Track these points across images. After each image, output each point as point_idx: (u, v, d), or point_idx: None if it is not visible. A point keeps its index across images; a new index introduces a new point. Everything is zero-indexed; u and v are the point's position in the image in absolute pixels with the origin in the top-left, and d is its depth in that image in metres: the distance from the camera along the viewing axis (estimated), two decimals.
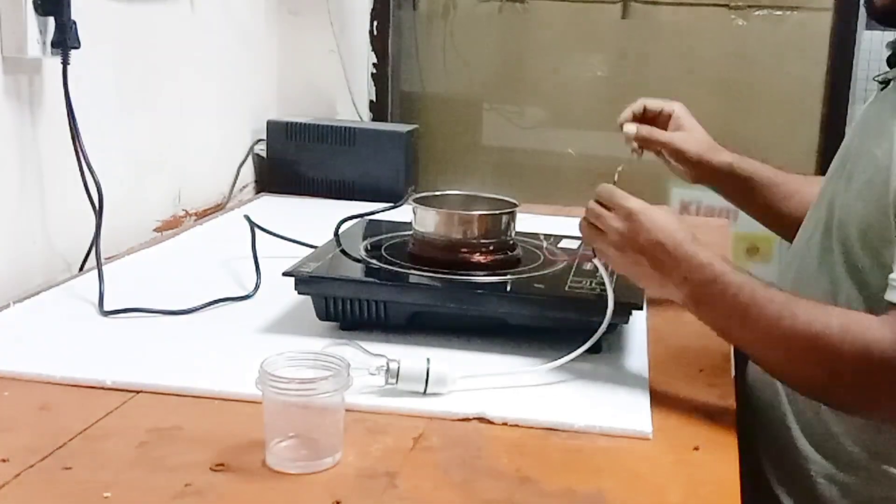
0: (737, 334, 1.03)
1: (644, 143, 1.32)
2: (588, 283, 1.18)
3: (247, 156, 2.11)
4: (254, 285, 1.36)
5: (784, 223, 1.33)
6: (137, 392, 1.03)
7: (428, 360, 1.03)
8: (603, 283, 1.13)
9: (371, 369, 1.02)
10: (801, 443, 1.10)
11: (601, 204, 1.08)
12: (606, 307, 1.11)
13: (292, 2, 2.25)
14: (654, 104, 1.33)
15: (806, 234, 1.17)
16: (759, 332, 1.00)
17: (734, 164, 1.35)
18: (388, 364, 1.02)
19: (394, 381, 1.02)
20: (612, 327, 1.17)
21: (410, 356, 1.04)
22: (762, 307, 0.98)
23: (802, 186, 1.35)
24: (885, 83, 1.11)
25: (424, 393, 1.02)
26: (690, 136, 1.33)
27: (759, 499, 0.95)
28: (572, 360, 1.10)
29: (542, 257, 1.30)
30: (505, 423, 0.99)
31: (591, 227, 1.09)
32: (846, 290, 1.05)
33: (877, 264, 1.01)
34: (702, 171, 1.35)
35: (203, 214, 1.90)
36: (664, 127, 1.34)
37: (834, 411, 1.06)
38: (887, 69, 1.11)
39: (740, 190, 1.36)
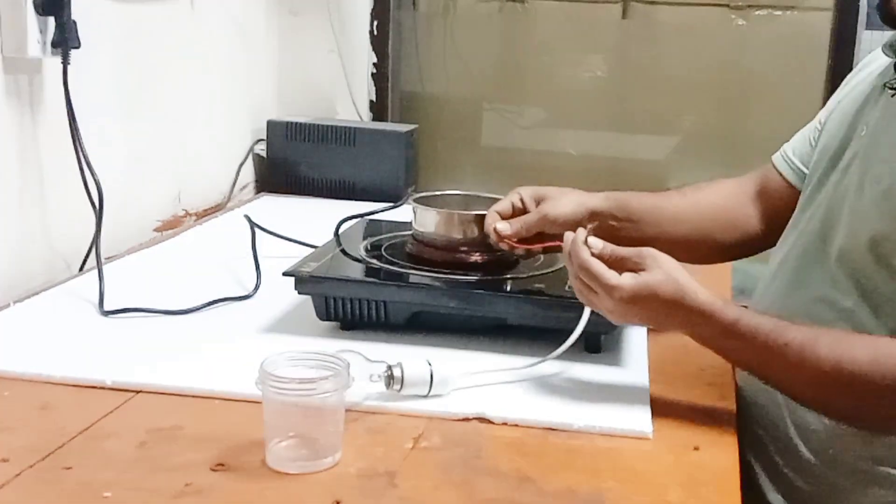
0: (759, 376, 1.03)
1: (525, 235, 1.21)
2: None
3: (247, 156, 2.11)
4: (254, 285, 1.36)
5: (675, 248, 1.21)
6: (137, 392, 1.03)
7: (429, 363, 1.03)
8: None
9: (373, 377, 1.01)
10: (800, 447, 1.10)
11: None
12: None
13: (292, 2, 2.25)
14: (504, 204, 1.23)
15: (792, 242, 1.16)
16: (780, 376, 1.00)
17: (610, 199, 1.25)
18: (391, 371, 1.01)
19: (398, 387, 1.01)
20: (612, 326, 1.17)
21: (410, 356, 1.04)
22: (780, 352, 0.97)
23: (679, 206, 1.29)
24: (894, 89, 1.07)
25: (427, 396, 1.02)
26: (557, 199, 1.23)
27: (749, 500, 0.95)
28: (573, 360, 1.11)
29: (542, 257, 1.30)
30: (505, 423, 0.99)
31: (583, 286, 1.05)
32: (850, 297, 1.04)
33: (887, 273, 1.01)
34: (591, 220, 1.23)
35: (203, 214, 1.90)
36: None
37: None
38: (894, 74, 1.08)
39: (625, 222, 1.25)
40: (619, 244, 1.21)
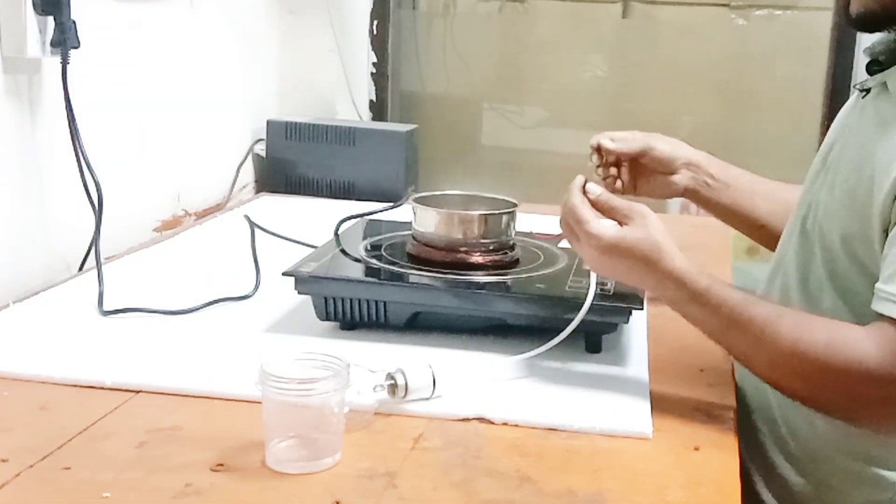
0: (723, 346, 1.05)
1: (626, 152, 1.27)
2: (588, 283, 1.18)
3: (246, 156, 2.11)
4: (254, 285, 1.36)
5: (755, 225, 1.32)
6: (137, 392, 1.03)
7: (430, 365, 1.02)
8: (602, 283, 1.14)
9: (377, 387, 1.00)
10: (792, 446, 1.10)
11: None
12: (606, 307, 1.12)
13: (292, 2, 2.25)
14: (621, 133, 1.28)
15: (789, 241, 1.17)
16: (741, 348, 1.01)
17: (710, 158, 1.33)
18: (394, 379, 1.00)
19: (402, 394, 1.01)
20: (613, 327, 1.17)
21: (410, 357, 1.04)
22: (743, 325, 0.98)
23: (776, 191, 1.34)
24: (865, 91, 1.11)
25: (430, 398, 1.02)
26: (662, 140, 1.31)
27: (743, 499, 0.96)
28: (573, 360, 1.12)
29: (542, 257, 1.30)
30: (505, 423, 0.99)
31: (568, 229, 1.09)
32: (829, 296, 1.06)
33: (859, 271, 1.02)
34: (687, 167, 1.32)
35: (203, 214, 1.90)
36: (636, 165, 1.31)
37: (825, 419, 1.07)
38: (868, 77, 1.10)
39: (720, 182, 1.33)
40: (705, 203, 1.31)
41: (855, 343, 0.94)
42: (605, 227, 1.03)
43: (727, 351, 1.05)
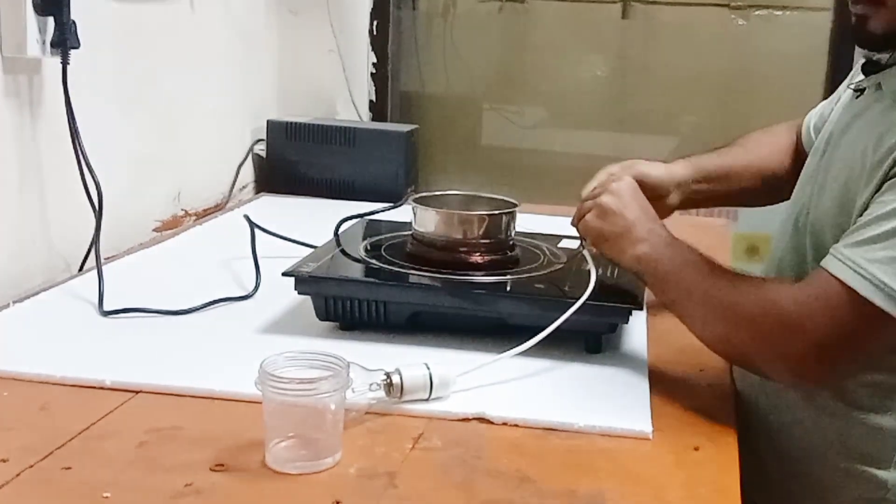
0: (672, 292, 1.09)
1: None
2: (587, 284, 1.18)
3: (246, 156, 2.11)
4: (254, 285, 1.36)
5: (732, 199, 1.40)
6: (137, 392, 1.03)
7: (427, 366, 1.02)
8: (603, 278, 1.14)
9: (373, 385, 1.00)
10: (785, 445, 1.11)
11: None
12: (606, 307, 1.12)
13: (292, 2, 2.25)
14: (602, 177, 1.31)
15: (783, 239, 1.17)
16: (685, 287, 1.06)
17: (690, 166, 1.36)
18: (390, 379, 1.00)
19: (398, 394, 1.00)
20: (613, 327, 1.17)
21: (410, 357, 1.04)
22: (696, 265, 1.06)
23: (739, 163, 1.39)
24: (859, 91, 1.11)
25: (428, 399, 1.02)
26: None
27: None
28: (573, 360, 1.12)
29: (542, 257, 1.30)
30: (505, 423, 0.99)
31: (581, 220, 1.18)
32: None
33: None
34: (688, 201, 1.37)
35: (203, 214, 1.90)
36: None
37: (815, 417, 1.07)
38: (862, 76, 1.11)
39: (703, 183, 1.36)
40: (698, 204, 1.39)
41: (779, 286, 0.99)
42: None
43: (673, 302, 1.09)
